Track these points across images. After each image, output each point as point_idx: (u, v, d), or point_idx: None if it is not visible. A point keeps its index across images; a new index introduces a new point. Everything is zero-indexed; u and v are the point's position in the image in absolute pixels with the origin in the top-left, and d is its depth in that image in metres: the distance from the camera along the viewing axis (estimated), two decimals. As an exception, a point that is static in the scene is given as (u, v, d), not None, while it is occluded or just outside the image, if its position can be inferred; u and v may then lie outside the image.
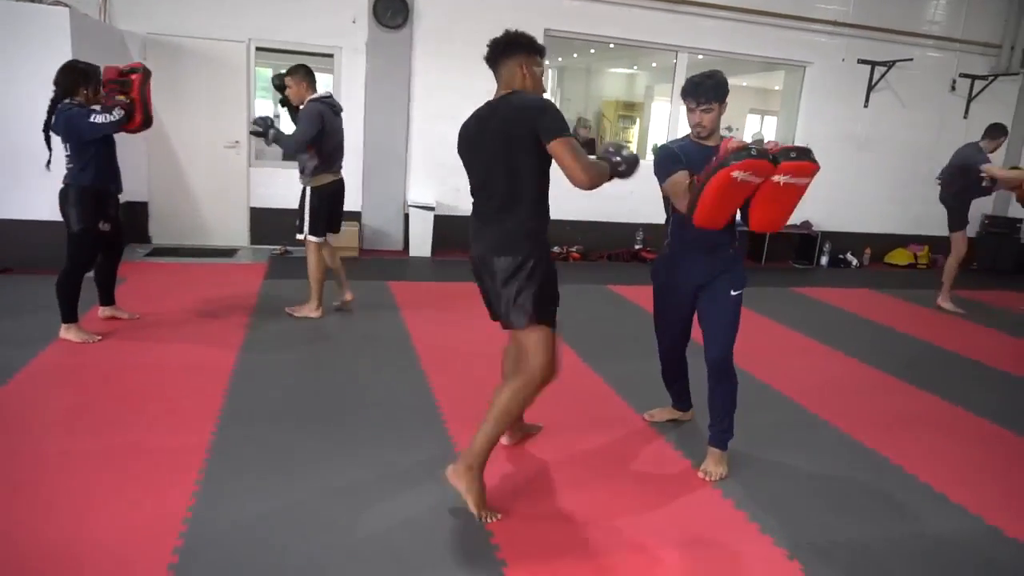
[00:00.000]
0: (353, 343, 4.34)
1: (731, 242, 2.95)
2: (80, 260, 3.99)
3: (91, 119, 3.83)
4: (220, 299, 5.05)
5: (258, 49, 6.83)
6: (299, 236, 4.63)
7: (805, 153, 2.58)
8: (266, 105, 10.30)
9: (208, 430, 3.00)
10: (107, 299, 4.37)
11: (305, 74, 4.52)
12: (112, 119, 3.86)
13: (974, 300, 6.83)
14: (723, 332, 2.94)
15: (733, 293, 2.93)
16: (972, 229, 9.27)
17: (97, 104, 3.91)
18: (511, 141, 2.42)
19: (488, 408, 2.49)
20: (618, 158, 2.60)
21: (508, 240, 2.48)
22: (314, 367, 3.90)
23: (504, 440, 3.05)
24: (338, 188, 4.66)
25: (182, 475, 2.62)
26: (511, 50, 2.52)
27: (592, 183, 2.41)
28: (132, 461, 2.72)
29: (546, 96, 2.64)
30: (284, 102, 4.70)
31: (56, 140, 3.90)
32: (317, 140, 4.41)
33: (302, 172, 4.56)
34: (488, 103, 2.56)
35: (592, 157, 2.51)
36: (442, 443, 3.07)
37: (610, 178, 2.57)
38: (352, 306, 4.94)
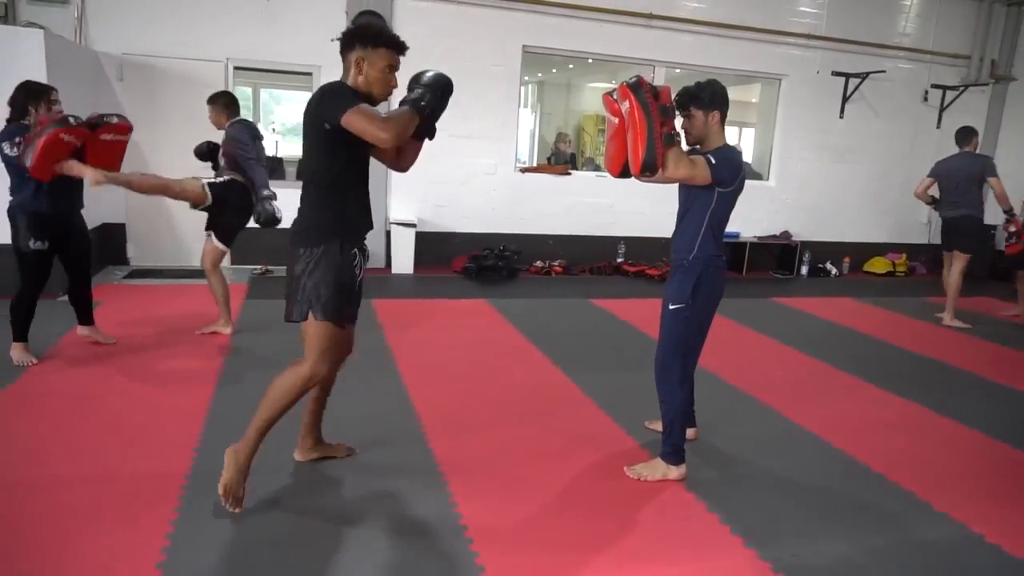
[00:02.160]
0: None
1: (686, 257, 2.94)
2: (30, 281, 3.95)
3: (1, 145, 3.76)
4: (199, 321, 4.98)
5: (236, 68, 6.81)
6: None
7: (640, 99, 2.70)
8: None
9: (188, 455, 2.96)
10: (85, 319, 4.32)
11: (226, 103, 4.57)
12: (8, 153, 3.74)
13: (958, 308, 6.91)
14: (659, 344, 3.03)
15: (670, 307, 2.95)
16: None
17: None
18: (306, 132, 2.47)
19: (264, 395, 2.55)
20: (418, 90, 2.48)
21: (300, 226, 2.53)
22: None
23: (296, 456, 2.97)
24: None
25: (161, 502, 2.57)
26: (348, 42, 2.46)
27: (396, 138, 2.37)
28: (109, 488, 2.67)
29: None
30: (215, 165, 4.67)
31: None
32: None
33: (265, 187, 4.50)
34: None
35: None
36: (424, 458, 3.05)
37: (423, 116, 2.46)
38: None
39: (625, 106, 2.71)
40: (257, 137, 4.57)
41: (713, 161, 2.80)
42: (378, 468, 2.96)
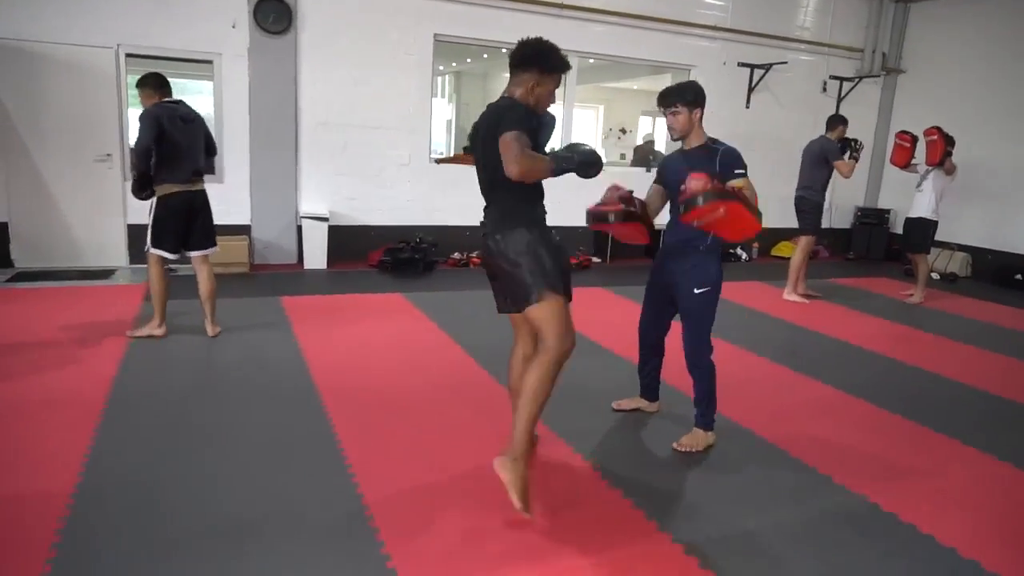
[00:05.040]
0: (241, 366, 4.11)
1: (703, 242, 3.11)
2: None
3: None
4: (93, 325, 4.68)
5: (129, 56, 6.39)
6: (146, 249, 4.38)
7: (719, 195, 2.78)
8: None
9: (74, 472, 2.75)
10: None
11: (155, 85, 4.28)
12: None
13: (853, 288, 7.28)
14: (688, 328, 3.21)
15: (696, 291, 3.11)
16: (847, 220, 9.95)
17: None
18: (489, 146, 2.58)
19: (519, 395, 2.63)
20: (568, 154, 2.64)
21: (501, 219, 2.68)
22: (197, 394, 3.67)
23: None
24: (188, 200, 4.34)
25: (44, 523, 2.38)
26: (527, 64, 2.67)
27: (522, 174, 2.46)
28: (-17, 513, 2.45)
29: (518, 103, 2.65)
30: None
31: None
32: (153, 146, 4.16)
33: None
34: (489, 104, 2.73)
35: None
36: (336, 466, 2.94)
37: (556, 173, 2.59)
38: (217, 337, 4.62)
39: (722, 211, 2.77)
40: (167, 126, 4.18)
41: (743, 172, 3.09)
42: (285, 476, 2.84)
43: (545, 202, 2.82)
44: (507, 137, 2.48)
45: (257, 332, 4.76)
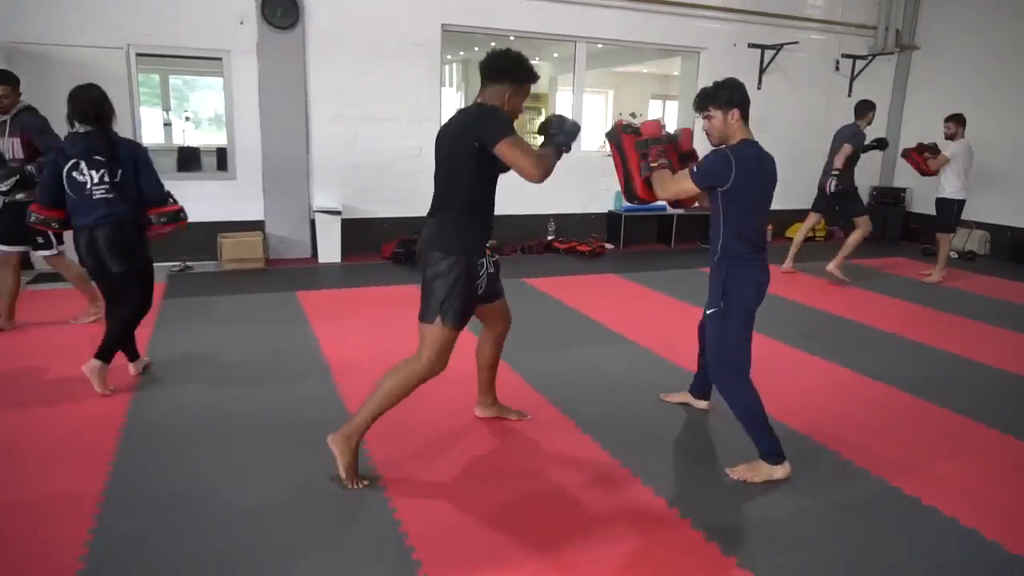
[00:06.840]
0: (261, 361, 4.15)
1: (713, 256, 2.91)
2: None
3: None
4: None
5: (139, 55, 6.43)
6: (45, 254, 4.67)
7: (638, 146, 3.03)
8: (154, 113, 9.81)
9: (103, 471, 2.79)
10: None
11: (17, 84, 4.53)
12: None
13: (869, 268, 7.23)
14: (709, 355, 3.01)
15: (707, 312, 2.94)
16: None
17: None
18: (454, 147, 2.65)
19: (375, 387, 2.73)
20: (560, 136, 2.71)
21: (438, 237, 2.71)
22: (219, 388, 3.70)
23: (477, 412, 3.38)
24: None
25: (74, 525, 2.42)
26: (500, 76, 2.70)
27: (544, 176, 2.53)
28: (16, 514, 2.50)
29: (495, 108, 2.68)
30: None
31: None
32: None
33: (27, 186, 4.35)
34: (460, 110, 2.77)
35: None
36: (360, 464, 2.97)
37: (559, 157, 2.68)
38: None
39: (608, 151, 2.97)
40: None
41: (695, 169, 2.82)
42: (308, 467, 2.87)
43: (546, 192, 2.91)
44: (509, 144, 2.50)
45: (275, 326, 4.80)
